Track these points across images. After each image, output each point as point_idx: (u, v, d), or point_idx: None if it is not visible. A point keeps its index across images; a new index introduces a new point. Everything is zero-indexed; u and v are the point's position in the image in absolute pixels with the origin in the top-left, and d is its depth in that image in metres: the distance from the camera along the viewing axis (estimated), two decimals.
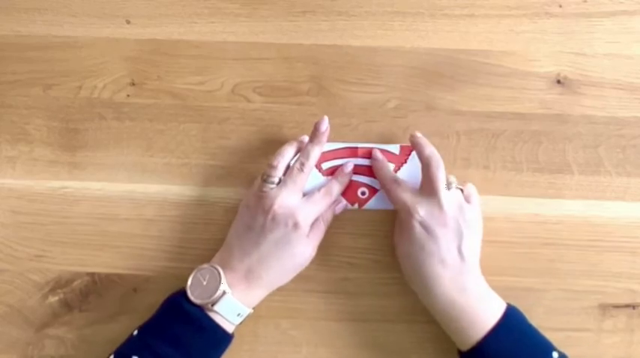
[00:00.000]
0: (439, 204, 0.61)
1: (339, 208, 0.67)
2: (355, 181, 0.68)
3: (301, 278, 0.67)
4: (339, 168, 0.67)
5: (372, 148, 0.68)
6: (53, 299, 0.68)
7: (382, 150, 0.68)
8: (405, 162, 0.68)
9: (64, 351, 0.67)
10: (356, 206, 0.68)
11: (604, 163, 0.69)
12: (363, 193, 0.68)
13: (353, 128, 0.69)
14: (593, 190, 0.68)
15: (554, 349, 0.60)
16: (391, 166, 0.68)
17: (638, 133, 0.69)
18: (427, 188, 0.63)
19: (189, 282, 0.61)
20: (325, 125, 0.66)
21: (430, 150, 0.64)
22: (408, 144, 0.67)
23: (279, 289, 0.67)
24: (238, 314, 0.62)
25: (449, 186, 0.63)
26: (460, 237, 0.61)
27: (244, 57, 0.70)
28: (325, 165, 0.68)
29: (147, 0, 0.71)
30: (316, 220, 0.65)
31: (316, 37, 0.70)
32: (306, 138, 0.67)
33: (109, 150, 0.70)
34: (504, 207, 0.67)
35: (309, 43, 0.70)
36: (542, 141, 0.69)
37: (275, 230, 0.62)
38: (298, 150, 0.66)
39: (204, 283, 0.61)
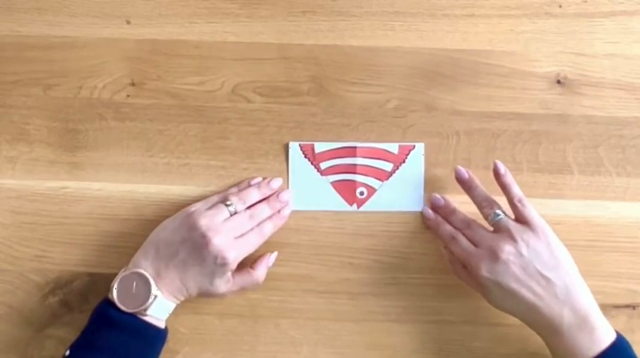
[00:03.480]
0: (491, 250, 0.60)
1: (271, 259, 0.67)
2: (353, 181, 0.68)
3: (301, 278, 0.67)
4: (275, 214, 0.67)
5: (370, 147, 0.68)
6: (53, 299, 0.68)
7: (380, 149, 0.68)
8: (404, 161, 0.68)
9: (64, 351, 0.67)
10: (354, 206, 0.68)
11: (604, 163, 0.69)
12: (361, 193, 0.68)
13: (353, 128, 0.69)
14: (593, 190, 0.68)
15: None
16: (390, 166, 0.68)
17: (638, 133, 0.69)
18: (475, 241, 0.63)
19: (115, 292, 0.61)
20: (286, 197, 0.68)
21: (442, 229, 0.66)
22: (407, 143, 0.67)
23: (279, 289, 0.67)
24: (168, 311, 0.63)
25: (496, 226, 0.62)
26: (527, 268, 0.59)
27: (244, 57, 0.70)
28: (324, 165, 0.68)
29: (147, 0, 0.71)
30: (247, 267, 0.65)
31: (316, 37, 0.70)
32: (274, 184, 0.68)
33: (109, 151, 0.70)
34: (505, 207, 0.67)
35: (309, 43, 0.70)
36: (542, 141, 0.69)
37: (205, 258, 0.62)
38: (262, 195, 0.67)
39: (134, 290, 0.61)
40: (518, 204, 0.62)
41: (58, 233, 0.69)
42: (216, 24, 0.70)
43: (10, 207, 0.69)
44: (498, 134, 0.69)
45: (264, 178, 0.68)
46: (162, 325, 0.63)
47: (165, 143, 0.70)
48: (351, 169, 0.68)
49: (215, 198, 0.66)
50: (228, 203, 0.65)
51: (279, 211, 0.67)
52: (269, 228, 0.66)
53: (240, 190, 0.67)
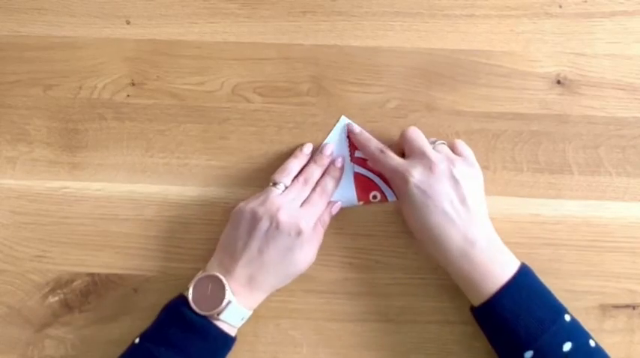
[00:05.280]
0: (429, 162, 0.62)
1: (335, 209, 0.67)
2: (373, 181, 0.68)
3: (301, 278, 0.67)
4: (330, 163, 0.68)
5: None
6: (53, 299, 0.68)
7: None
8: None
9: (64, 351, 0.67)
10: (361, 203, 0.68)
11: (604, 163, 0.69)
12: (374, 196, 0.68)
13: None
14: (593, 190, 0.68)
15: (567, 312, 0.59)
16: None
17: (638, 133, 0.69)
18: (413, 153, 0.64)
19: (190, 292, 0.61)
20: (330, 150, 0.67)
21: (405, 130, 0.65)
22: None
23: (279, 289, 0.67)
24: (242, 318, 0.62)
25: (433, 144, 0.64)
26: (457, 188, 0.61)
27: (244, 57, 0.70)
28: (358, 153, 0.68)
29: (147, 0, 0.71)
30: (315, 224, 0.65)
31: (316, 37, 0.70)
32: (307, 150, 0.68)
33: (109, 151, 0.70)
34: (504, 207, 0.67)
35: (309, 44, 0.70)
36: (542, 141, 0.69)
37: (279, 238, 0.62)
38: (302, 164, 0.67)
39: (209, 293, 0.60)
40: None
41: (58, 233, 0.69)
42: (217, 24, 0.70)
43: (10, 207, 0.69)
44: (498, 134, 0.69)
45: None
46: (232, 333, 0.62)
47: (165, 143, 0.70)
48: (378, 172, 0.68)
49: (260, 192, 0.66)
50: (273, 183, 0.65)
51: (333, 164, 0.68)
52: (330, 183, 0.66)
53: (278, 171, 0.67)
